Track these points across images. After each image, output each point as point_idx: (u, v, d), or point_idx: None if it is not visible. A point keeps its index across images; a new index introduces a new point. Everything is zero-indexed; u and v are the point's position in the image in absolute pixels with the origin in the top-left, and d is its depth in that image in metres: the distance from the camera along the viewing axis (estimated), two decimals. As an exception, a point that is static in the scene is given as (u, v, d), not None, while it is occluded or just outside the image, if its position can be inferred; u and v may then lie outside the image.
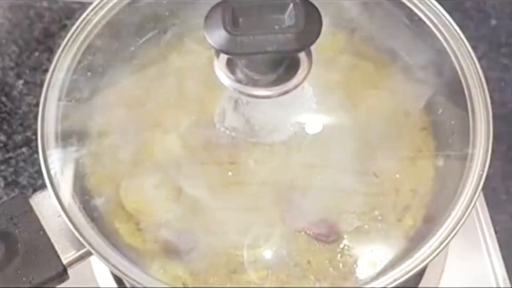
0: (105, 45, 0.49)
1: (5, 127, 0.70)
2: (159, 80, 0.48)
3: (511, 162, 0.67)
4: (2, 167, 0.68)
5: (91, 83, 0.48)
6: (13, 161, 0.69)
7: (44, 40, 0.74)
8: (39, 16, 0.75)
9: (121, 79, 0.48)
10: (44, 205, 0.44)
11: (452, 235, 0.43)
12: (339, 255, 0.44)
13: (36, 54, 0.73)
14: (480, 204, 0.61)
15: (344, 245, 0.44)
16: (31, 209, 0.43)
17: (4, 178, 0.68)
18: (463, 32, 0.49)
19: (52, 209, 0.44)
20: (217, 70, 0.44)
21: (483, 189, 0.43)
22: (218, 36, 0.41)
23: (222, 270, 0.45)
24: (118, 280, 0.56)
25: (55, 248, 0.43)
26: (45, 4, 0.75)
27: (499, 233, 0.63)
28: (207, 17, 0.41)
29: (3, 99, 0.71)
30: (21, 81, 0.72)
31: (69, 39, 0.48)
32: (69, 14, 0.48)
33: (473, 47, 0.48)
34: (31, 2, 0.75)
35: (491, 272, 0.59)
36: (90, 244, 0.43)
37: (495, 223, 0.63)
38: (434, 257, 0.43)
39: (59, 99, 0.47)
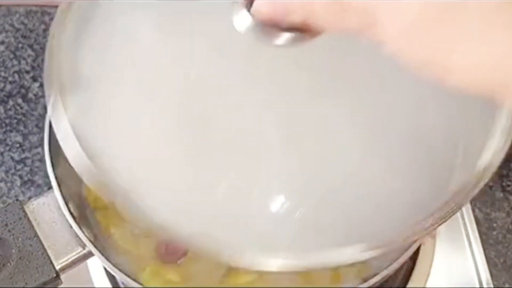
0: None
1: (21, 128, 0.72)
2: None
3: (507, 161, 0.68)
4: (19, 167, 0.70)
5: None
6: (29, 161, 0.71)
7: (58, 45, 0.75)
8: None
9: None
10: (39, 212, 0.45)
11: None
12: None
13: (51, 58, 0.75)
14: (466, 208, 0.62)
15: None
16: (25, 215, 0.44)
17: (20, 177, 0.70)
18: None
19: (46, 215, 0.45)
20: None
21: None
22: None
23: (213, 274, 0.46)
24: (113, 281, 0.58)
25: (48, 254, 0.44)
26: (59, 10, 0.77)
27: (496, 229, 0.65)
28: None
29: (20, 101, 0.73)
30: (36, 84, 0.74)
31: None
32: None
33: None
34: (46, 8, 0.77)
35: (475, 274, 0.60)
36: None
37: (493, 220, 0.65)
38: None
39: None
